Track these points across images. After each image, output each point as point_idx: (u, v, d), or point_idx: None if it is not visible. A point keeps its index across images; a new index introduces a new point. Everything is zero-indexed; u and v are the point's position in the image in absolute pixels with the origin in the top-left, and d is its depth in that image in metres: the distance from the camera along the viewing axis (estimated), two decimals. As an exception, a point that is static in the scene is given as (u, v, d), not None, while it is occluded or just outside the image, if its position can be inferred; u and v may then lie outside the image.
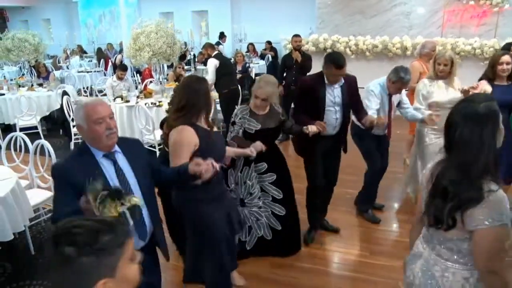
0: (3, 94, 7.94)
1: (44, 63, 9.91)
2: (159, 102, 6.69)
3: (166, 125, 2.86)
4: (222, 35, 13.05)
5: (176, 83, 7.27)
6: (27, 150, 4.40)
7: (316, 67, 6.12)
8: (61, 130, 8.09)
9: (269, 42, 12.44)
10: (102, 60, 13.24)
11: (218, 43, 12.98)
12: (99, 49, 13.88)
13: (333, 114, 3.64)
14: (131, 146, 2.28)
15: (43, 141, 4.34)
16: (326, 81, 3.57)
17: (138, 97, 7.15)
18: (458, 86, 3.99)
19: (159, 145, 6.05)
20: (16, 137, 4.56)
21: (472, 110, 1.65)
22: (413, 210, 4.11)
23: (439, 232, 1.76)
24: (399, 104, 4.25)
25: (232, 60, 10.61)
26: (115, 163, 2.17)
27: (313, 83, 3.64)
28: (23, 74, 10.34)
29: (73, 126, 6.68)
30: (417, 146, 4.36)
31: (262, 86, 3.33)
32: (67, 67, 12.87)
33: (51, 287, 1.13)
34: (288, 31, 9.50)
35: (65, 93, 7.94)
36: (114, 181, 2.12)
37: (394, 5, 8.95)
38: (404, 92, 4.22)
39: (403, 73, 3.88)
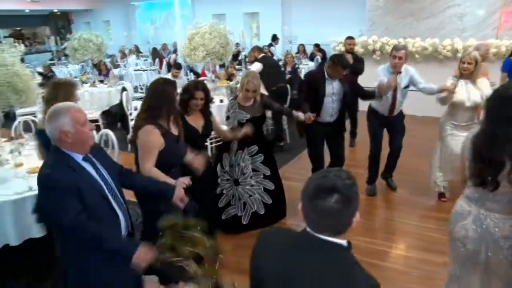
0: (69, 90, 8.55)
1: (104, 62, 10.56)
2: (230, 100, 6.97)
3: (134, 124, 3.01)
4: (274, 38, 13.31)
5: (228, 81, 7.58)
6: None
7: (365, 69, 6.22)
8: (119, 124, 8.60)
9: (316, 45, 12.54)
10: (157, 59, 13.82)
11: (270, 45, 13.28)
12: (154, 49, 14.50)
13: (330, 104, 4.36)
14: (94, 149, 2.28)
15: (108, 131, 4.72)
16: (326, 76, 4.30)
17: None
18: (486, 88, 4.16)
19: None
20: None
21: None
22: (437, 205, 4.64)
23: (486, 191, 2.20)
24: (409, 86, 4.64)
25: (282, 61, 10.85)
26: (93, 165, 2.22)
27: (317, 76, 4.41)
28: (86, 72, 11.03)
29: (131, 120, 7.13)
30: (439, 138, 4.65)
31: (250, 81, 3.97)
32: (124, 66, 13.55)
33: None
34: (337, 33, 9.58)
35: (124, 89, 8.45)
36: (99, 182, 2.18)
37: (447, 7, 8.83)
38: (414, 72, 4.61)
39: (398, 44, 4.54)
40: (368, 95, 4.59)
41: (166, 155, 2.81)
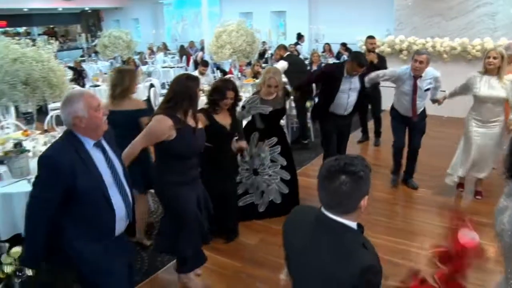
0: (99, 85, 8.82)
1: (133, 59, 10.80)
2: (252, 94, 7.07)
3: (154, 113, 3.05)
4: (300, 36, 13.33)
5: (254, 79, 7.66)
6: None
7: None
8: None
9: (343, 44, 12.48)
10: (184, 57, 14.00)
11: (296, 44, 13.29)
12: (182, 47, 14.69)
13: (345, 99, 4.53)
14: (107, 134, 2.31)
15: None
16: (345, 73, 4.42)
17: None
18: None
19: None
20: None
21: None
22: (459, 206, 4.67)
23: None
24: (429, 90, 4.67)
25: (308, 60, 10.86)
26: (104, 152, 2.25)
27: (335, 71, 4.57)
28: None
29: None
30: (463, 134, 4.69)
31: (272, 77, 4.11)
32: (152, 63, 13.79)
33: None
34: (364, 32, 9.50)
35: (152, 85, 8.65)
36: (104, 170, 2.21)
37: (477, 6, 8.65)
38: (438, 75, 4.61)
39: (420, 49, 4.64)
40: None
41: (180, 146, 2.89)
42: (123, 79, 3.71)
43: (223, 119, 3.69)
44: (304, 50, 13.09)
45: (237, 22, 7.33)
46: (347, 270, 1.49)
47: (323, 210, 1.60)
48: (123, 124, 3.13)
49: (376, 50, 8.97)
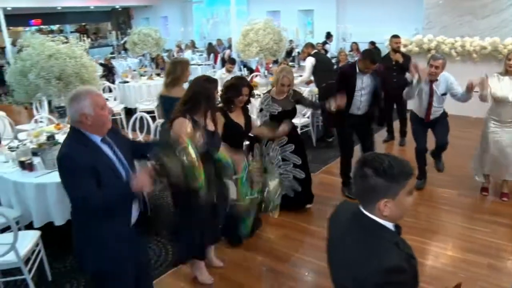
0: (128, 82, 9.02)
1: (162, 56, 10.98)
2: (263, 93, 7.13)
3: (172, 115, 3.10)
4: (329, 35, 13.28)
5: (279, 77, 7.70)
6: (148, 131, 5.12)
7: None
8: (173, 116, 8.94)
9: (372, 43, 12.35)
10: (211, 54, 14.14)
11: (325, 43, 13.25)
12: (210, 44, 14.84)
13: (358, 97, 4.55)
14: (111, 131, 2.36)
15: (162, 121, 4.99)
16: (358, 70, 4.47)
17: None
18: None
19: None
20: (141, 117, 5.30)
21: None
22: (482, 207, 4.67)
23: None
24: (446, 95, 4.65)
25: (336, 58, 10.82)
26: (111, 147, 2.31)
27: (348, 70, 4.63)
28: (144, 65, 11.52)
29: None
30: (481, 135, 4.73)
31: (285, 75, 4.15)
32: (180, 60, 13.95)
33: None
34: (393, 31, 9.38)
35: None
36: (115, 163, 2.29)
37: (511, 4, 8.45)
38: (453, 80, 4.60)
39: (436, 54, 4.62)
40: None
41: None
42: (175, 69, 4.31)
43: (238, 118, 3.69)
44: (332, 49, 13.03)
45: (264, 20, 7.37)
46: (372, 267, 1.48)
47: (359, 206, 1.62)
48: (170, 109, 3.27)
49: (404, 49, 8.93)
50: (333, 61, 10.93)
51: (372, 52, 4.61)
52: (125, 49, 13.37)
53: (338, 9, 14.13)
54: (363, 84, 4.54)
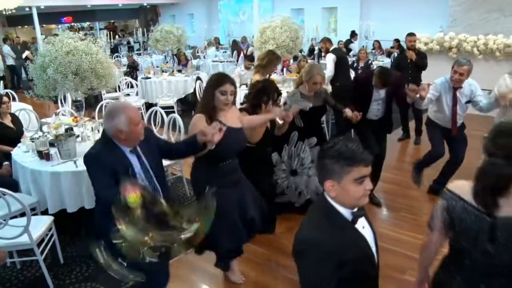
0: (149, 78, 9.28)
1: (184, 52, 11.22)
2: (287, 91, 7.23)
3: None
4: (353, 34, 13.22)
5: (297, 74, 7.78)
6: (163, 125, 5.32)
7: (439, 66, 6.03)
8: (193, 111, 9.14)
9: (397, 40, 12.25)
10: (235, 52, 14.30)
11: (349, 41, 13.21)
12: (234, 41, 14.99)
13: (375, 106, 4.46)
14: (143, 140, 2.47)
15: (176, 116, 5.18)
16: (373, 83, 4.33)
17: (260, 85, 7.80)
18: None
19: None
20: (156, 111, 5.51)
21: None
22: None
23: None
24: (470, 102, 4.45)
25: (356, 56, 10.79)
26: (139, 157, 2.43)
27: (364, 82, 4.45)
28: (167, 62, 11.78)
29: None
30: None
31: (317, 73, 4.03)
32: (204, 57, 14.20)
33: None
34: (417, 29, 9.26)
35: (198, 78, 8.99)
36: (141, 174, 2.41)
37: (540, 1, 8.23)
38: (477, 89, 4.39)
39: (461, 58, 4.32)
40: (405, 104, 4.75)
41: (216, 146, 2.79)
42: (263, 58, 4.92)
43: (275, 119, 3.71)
44: (357, 48, 12.97)
45: (282, 18, 7.45)
46: (296, 238, 1.62)
47: None
48: None
49: (424, 48, 8.86)
50: (353, 59, 10.94)
51: (385, 73, 4.30)
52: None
53: (362, 7, 14.03)
54: (380, 95, 4.44)
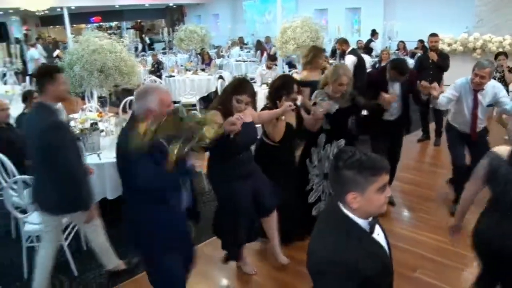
0: (173, 76, 9.52)
1: (207, 52, 11.43)
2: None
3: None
4: (374, 32, 13.17)
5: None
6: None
7: (462, 68, 5.93)
8: (214, 109, 9.32)
9: (421, 41, 12.14)
10: (258, 51, 14.43)
11: (370, 41, 13.16)
12: (258, 41, 15.12)
13: (385, 95, 4.11)
14: None
15: (196, 112, 5.33)
16: (388, 76, 4.25)
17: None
18: None
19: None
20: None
21: None
22: None
23: None
24: (492, 106, 4.32)
25: (378, 57, 10.78)
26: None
27: (377, 78, 4.39)
28: (191, 61, 12.01)
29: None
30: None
31: (343, 74, 3.79)
32: (228, 56, 14.38)
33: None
34: (442, 29, 9.18)
35: (220, 77, 9.16)
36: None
37: None
38: (500, 91, 4.15)
39: (482, 60, 4.10)
40: (421, 101, 4.44)
41: (225, 138, 2.93)
42: (307, 55, 5.12)
43: (289, 117, 3.67)
44: (378, 48, 12.92)
45: (302, 18, 7.54)
46: (315, 256, 1.57)
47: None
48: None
49: (448, 49, 8.79)
50: (376, 59, 10.93)
51: (401, 62, 4.27)
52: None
53: (385, 7, 13.95)
54: (395, 92, 4.30)
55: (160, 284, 2.72)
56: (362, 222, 1.59)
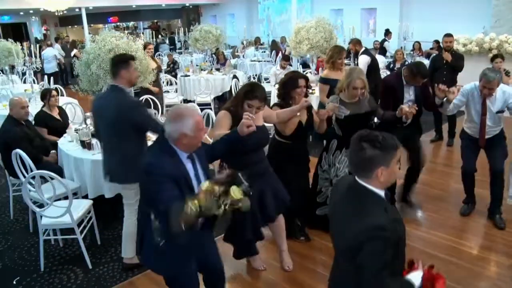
0: (188, 75, 9.63)
1: (222, 51, 11.52)
2: (312, 89, 7.35)
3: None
4: (387, 32, 13.12)
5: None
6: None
7: (478, 69, 5.85)
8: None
9: (437, 41, 12.04)
10: (274, 51, 14.48)
11: (384, 40, 13.11)
12: (273, 41, 15.18)
13: (405, 108, 3.89)
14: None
15: (210, 111, 5.43)
16: (404, 82, 4.24)
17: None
18: None
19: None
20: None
21: None
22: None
23: None
24: (503, 112, 4.14)
25: (392, 58, 10.73)
26: (193, 163, 2.39)
27: (394, 83, 4.33)
28: (206, 60, 12.12)
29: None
30: None
31: (357, 77, 3.70)
32: (243, 56, 14.47)
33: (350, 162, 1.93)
34: (459, 30, 9.09)
35: (235, 77, 9.24)
36: (194, 180, 2.36)
37: None
38: (511, 96, 4.03)
39: (488, 71, 3.92)
40: (434, 105, 4.32)
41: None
42: (327, 55, 5.24)
43: (300, 114, 3.67)
44: (392, 47, 12.86)
45: (317, 18, 7.56)
46: (359, 227, 1.73)
47: (355, 177, 1.87)
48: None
49: (463, 49, 8.72)
50: (390, 60, 10.88)
51: (421, 66, 4.22)
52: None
53: (401, 7, 13.88)
54: (411, 96, 4.28)
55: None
56: (382, 193, 1.84)
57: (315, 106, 5.29)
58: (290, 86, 3.62)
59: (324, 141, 4.26)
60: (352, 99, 3.81)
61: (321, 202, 4.12)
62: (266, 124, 3.49)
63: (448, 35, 6.62)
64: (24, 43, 8.16)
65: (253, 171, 3.20)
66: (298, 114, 3.63)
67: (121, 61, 3.38)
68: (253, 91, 3.11)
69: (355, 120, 3.76)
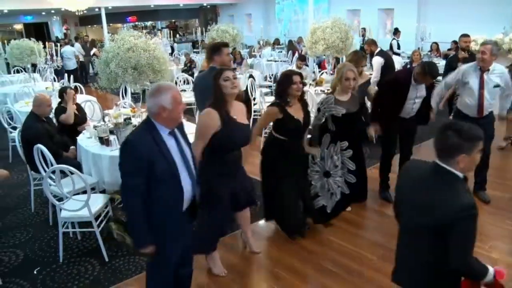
0: (204, 75, 9.73)
1: (239, 51, 11.59)
2: (327, 90, 7.37)
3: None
4: (396, 31, 13.01)
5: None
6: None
7: None
8: (244, 108, 9.48)
9: (455, 42, 11.92)
10: (290, 52, 14.51)
11: (392, 39, 13.02)
12: (290, 41, 15.20)
13: (410, 105, 4.47)
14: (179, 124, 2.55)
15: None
16: (413, 81, 4.35)
17: (310, 84, 7.98)
18: None
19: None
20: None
21: None
22: None
23: None
24: (499, 87, 4.35)
25: (409, 59, 10.67)
26: (176, 140, 2.48)
27: (402, 81, 4.43)
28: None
29: (254, 105, 7.87)
30: None
31: (349, 69, 4.00)
32: (259, 56, 14.52)
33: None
34: (478, 31, 8.99)
35: (251, 76, 9.31)
36: (176, 156, 2.45)
37: None
38: (509, 81, 4.37)
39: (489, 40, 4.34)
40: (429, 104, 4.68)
41: (224, 136, 3.09)
42: (347, 56, 5.34)
43: (296, 112, 3.73)
44: (404, 47, 12.75)
45: (333, 19, 7.57)
46: (451, 206, 1.93)
47: (437, 161, 2.05)
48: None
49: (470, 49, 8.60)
50: (407, 61, 10.82)
51: (433, 66, 4.29)
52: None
53: (419, 8, 13.76)
54: (418, 94, 4.43)
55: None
56: (462, 176, 2.04)
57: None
58: (286, 83, 3.68)
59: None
60: (344, 96, 4.09)
61: (312, 196, 4.29)
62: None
63: (465, 35, 6.60)
64: (47, 43, 8.33)
65: (231, 170, 3.34)
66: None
67: (213, 48, 4.12)
68: (219, 69, 3.27)
69: (347, 118, 4.09)
